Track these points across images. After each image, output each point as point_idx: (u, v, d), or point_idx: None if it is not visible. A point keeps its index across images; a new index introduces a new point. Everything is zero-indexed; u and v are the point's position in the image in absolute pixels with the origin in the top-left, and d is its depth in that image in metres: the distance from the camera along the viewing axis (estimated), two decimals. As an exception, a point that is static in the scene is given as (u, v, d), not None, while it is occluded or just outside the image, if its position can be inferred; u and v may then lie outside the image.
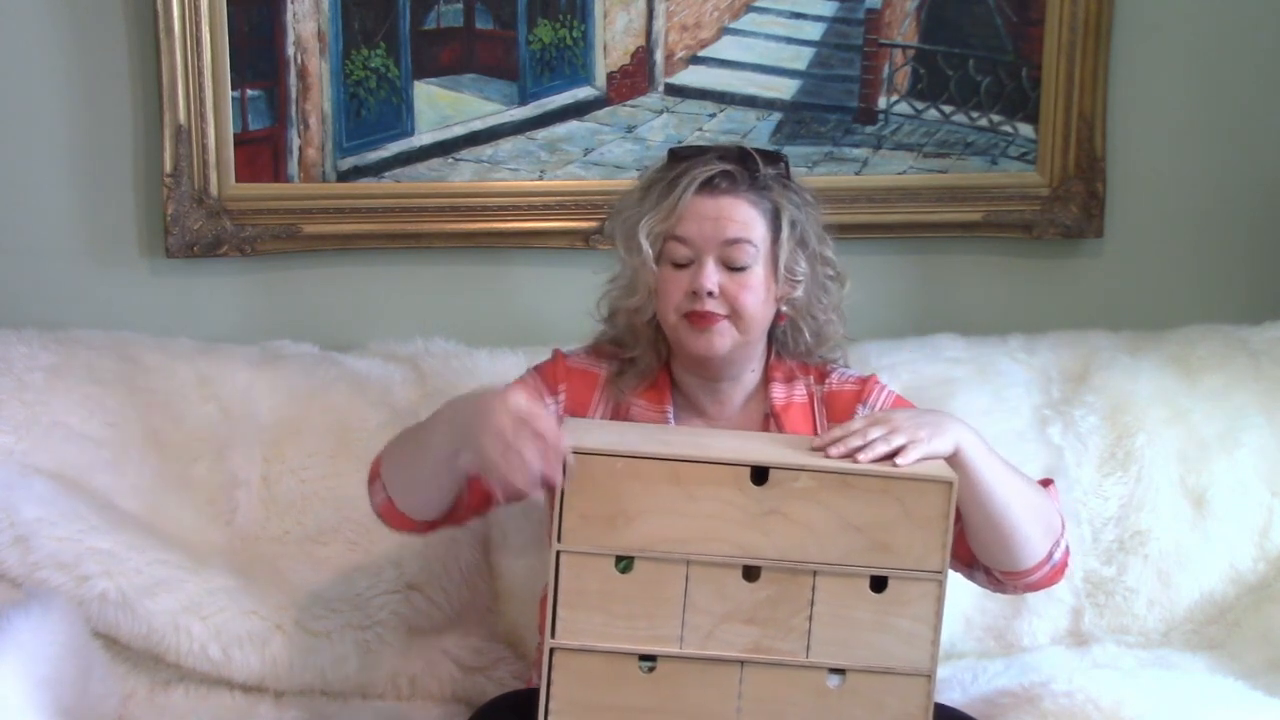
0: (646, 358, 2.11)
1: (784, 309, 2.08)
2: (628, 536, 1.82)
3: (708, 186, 2.01)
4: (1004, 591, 2.10)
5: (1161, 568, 2.52)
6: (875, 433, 1.88)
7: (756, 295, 2.02)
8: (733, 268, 2.01)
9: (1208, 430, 2.57)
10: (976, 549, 2.01)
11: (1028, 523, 1.97)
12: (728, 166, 2.02)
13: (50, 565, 2.26)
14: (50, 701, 2.03)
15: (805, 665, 1.85)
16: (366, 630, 2.34)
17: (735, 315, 2.01)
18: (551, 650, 1.84)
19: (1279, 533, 2.54)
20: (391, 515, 2.06)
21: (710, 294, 2.00)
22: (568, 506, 1.82)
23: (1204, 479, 2.54)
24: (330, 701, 2.34)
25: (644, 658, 1.85)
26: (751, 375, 2.12)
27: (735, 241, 2.00)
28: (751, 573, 1.84)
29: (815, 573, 1.84)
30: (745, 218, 2.02)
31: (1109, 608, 2.52)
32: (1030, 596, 2.47)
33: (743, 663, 1.85)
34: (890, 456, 1.85)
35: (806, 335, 2.11)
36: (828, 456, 1.86)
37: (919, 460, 1.85)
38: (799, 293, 2.07)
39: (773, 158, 2.08)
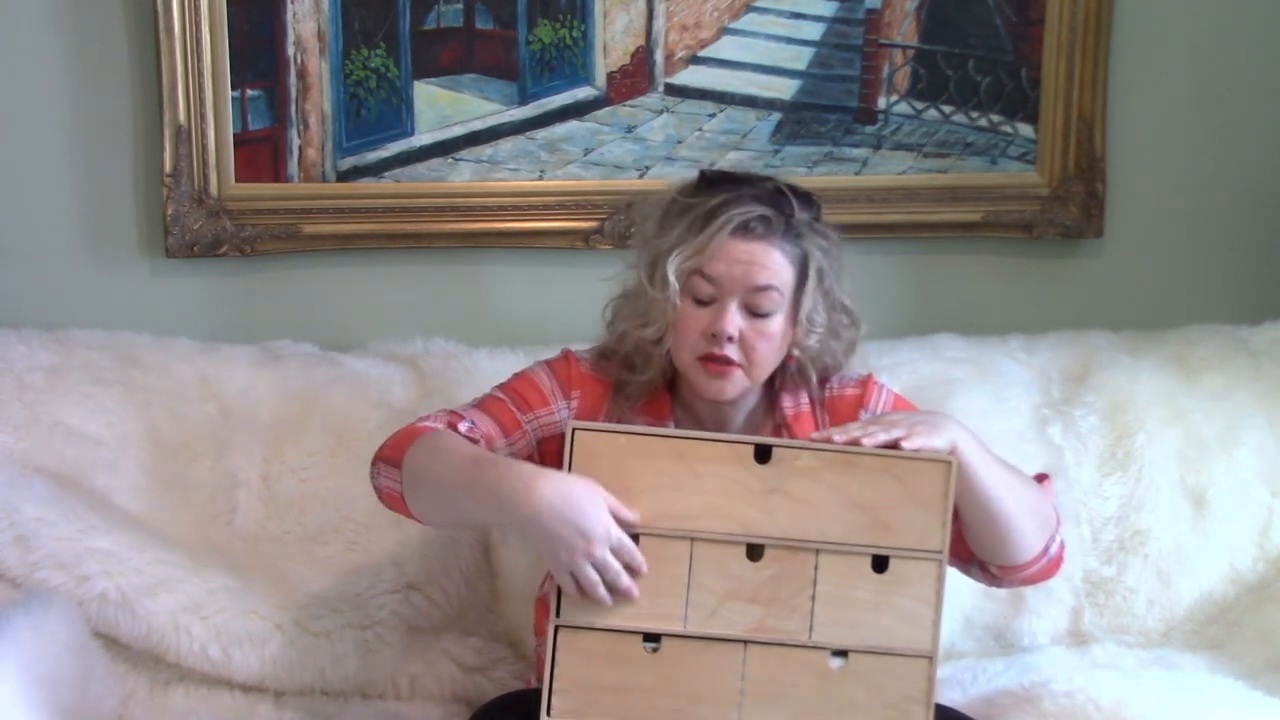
0: (654, 381, 2.10)
1: (795, 353, 2.08)
2: None
3: (743, 230, 1.98)
4: (1000, 586, 2.11)
5: (1161, 568, 2.52)
6: (874, 427, 1.90)
7: (772, 345, 2.02)
8: (756, 314, 2.00)
9: (1208, 430, 2.57)
10: (974, 545, 2.02)
11: (1024, 519, 1.98)
12: (765, 210, 1.99)
13: (50, 565, 2.26)
14: (50, 701, 2.03)
15: (808, 646, 1.86)
16: (366, 630, 2.34)
17: (748, 363, 2.01)
18: (556, 629, 1.85)
19: (1279, 533, 2.54)
20: (396, 504, 2.01)
21: (730, 339, 1.99)
22: None
23: (1204, 479, 2.54)
24: (330, 701, 2.34)
25: (648, 638, 1.85)
26: (753, 398, 2.12)
27: (764, 289, 1.98)
28: (755, 551, 1.85)
29: (818, 552, 1.85)
30: (775, 264, 1.99)
31: (1109, 608, 2.52)
32: (1030, 597, 2.47)
33: (746, 643, 1.86)
34: (891, 445, 1.87)
35: (812, 377, 2.11)
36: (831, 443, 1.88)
37: (918, 449, 1.87)
38: (813, 341, 2.06)
39: (806, 200, 2.04)
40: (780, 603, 1.85)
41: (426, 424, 2.02)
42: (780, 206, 2.00)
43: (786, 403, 2.12)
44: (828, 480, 1.85)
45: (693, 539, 1.84)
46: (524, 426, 2.07)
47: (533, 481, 1.81)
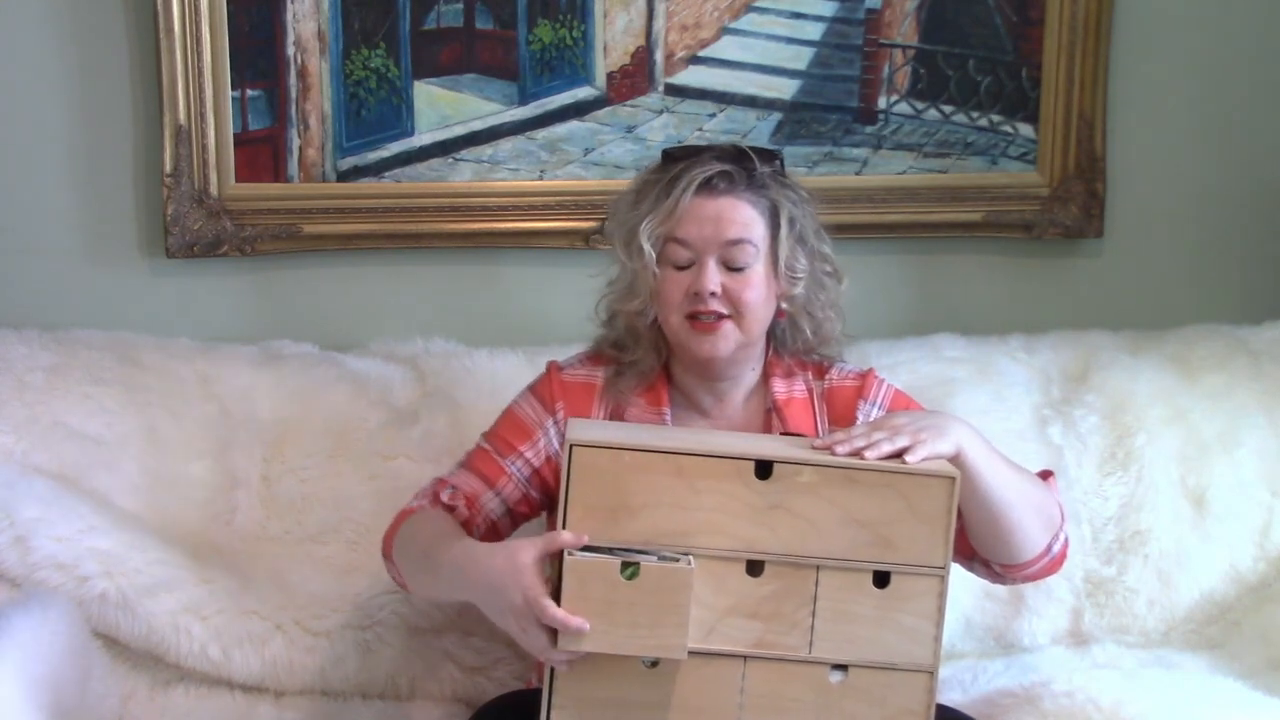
0: (647, 360, 2.11)
1: (784, 306, 2.08)
2: (631, 529, 1.82)
3: (706, 187, 2.02)
4: (1003, 583, 2.11)
5: (1161, 568, 2.52)
6: (879, 435, 1.88)
7: (758, 293, 2.03)
8: (733, 268, 2.01)
9: (1208, 430, 2.57)
10: (976, 544, 2.02)
11: (1028, 518, 1.98)
12: (725, 167, 2.03)
13: (50, 565, 2.26)
14: (50, 701, 2.03)
15: (808, 661, 1.85)
16: (366, 630, 2.34)
17: (738, 314, 2.02)
18: None
19: (1279, 533, 2.54)
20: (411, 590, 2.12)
21: (713, 294, 2.00)
22: (571, 499, 1.82)
23: (1204, 479, 2.54)
24: (330, 701, 2.34)
25: None
26: (751, 374, 2.12)
27: (736, 242, 2.01)
28: (755, 567, 1.84)
29: (819, 568, 1.84)
30: (745, 218, 2.02)
31: (1109, 608, 2.52)
32: (1030, 597, 2.47)
33: (745, 658, 1.85)
34: (896, 456, 1.86)
35: (806, 333, 2.11)
36: (833, 454, 1.86)
37: (923, 460, 1.86)
38: (799, 289, 2.07)
39: (768, 155, 2.09)
40: (780, 618, 1.85)
41: (413, 504, 2.08)
42: (740, 162, 2.04)
43: (778, 387, 2.12)
44: (829, 496, 1.84)
45: (692, 555, 1.83)
46: (508, 471, 2.09)
47: (467, 564, 1.86)
